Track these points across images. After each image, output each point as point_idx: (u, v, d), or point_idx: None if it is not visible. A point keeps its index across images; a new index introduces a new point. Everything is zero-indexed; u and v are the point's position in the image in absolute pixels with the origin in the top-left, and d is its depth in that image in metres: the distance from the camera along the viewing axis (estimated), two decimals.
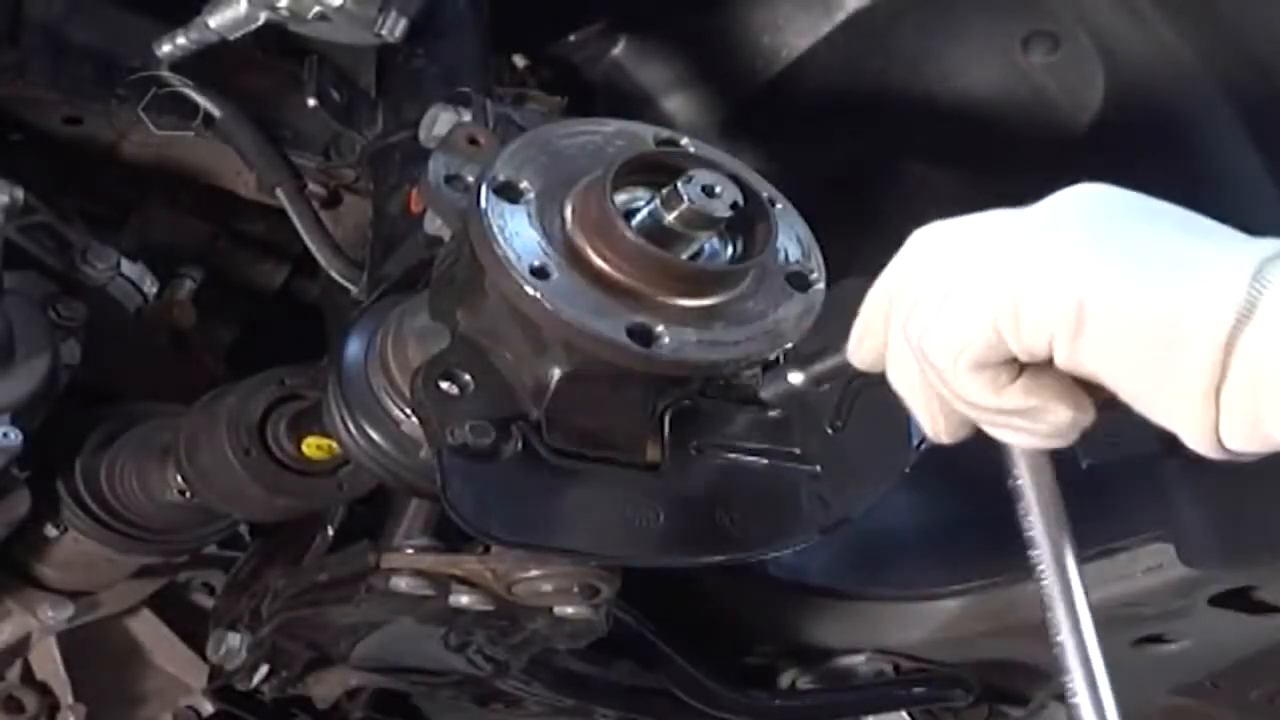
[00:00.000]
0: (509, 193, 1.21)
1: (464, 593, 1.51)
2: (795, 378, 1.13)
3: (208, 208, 2.11)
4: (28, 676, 1.98)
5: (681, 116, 2.26)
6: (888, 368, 1.01)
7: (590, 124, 1.31)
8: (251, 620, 1.76)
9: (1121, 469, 1.79)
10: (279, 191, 1.80)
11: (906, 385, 0.99)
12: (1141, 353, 0.87)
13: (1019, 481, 1.01)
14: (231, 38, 1.75)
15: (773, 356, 1.24)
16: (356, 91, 1.89)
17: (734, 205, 1.20)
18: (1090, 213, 0.91)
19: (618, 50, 2.29)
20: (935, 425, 1.00)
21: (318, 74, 1.83)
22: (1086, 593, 0.97)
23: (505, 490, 1.25)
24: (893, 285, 0.99)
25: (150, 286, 1.99)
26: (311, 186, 1.87)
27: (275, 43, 1.85)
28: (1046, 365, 0.92)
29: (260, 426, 1.58)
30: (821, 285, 1.27)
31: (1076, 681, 0.91)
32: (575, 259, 1.19)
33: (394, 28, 1.74)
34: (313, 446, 1.56)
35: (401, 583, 1.52)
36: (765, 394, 1.17)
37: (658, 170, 1.23)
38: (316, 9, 1.70)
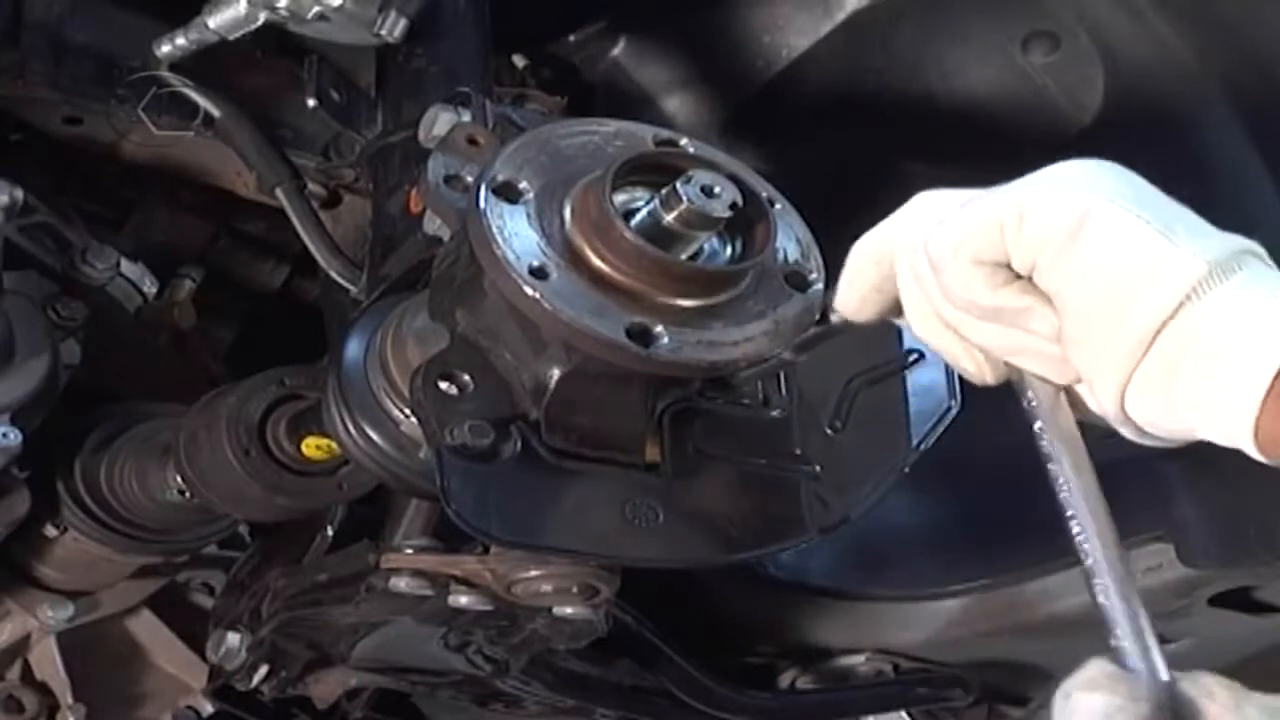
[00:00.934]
0: (508, 193, 1.21)
1: (463, 593, 1.51)
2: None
3: (207, 208, 2.11)
4: (28, 676, 1.98)
5: (681, 116, 2.26)
6: (911, 321, 1.04)
7: (590, 124, 1.31)
8: (251, 620, 1.76)
9: (1121, 469, 1.78)
10: (279, 192, 1.80)
11: (933, 332, 1.03)
12: (1105, 287, 0.91)
13: (1041, 437, 1.00)
14: (231, 38, 1.75)
15: (772, 357, 1.25)
16: (356, 91, 1.89)
17: (733, 205, 1.19)
18: (1102, 165, 0.97)
19: (618, 50, 2.29)
20: (977, 368, 1.04)
21: (317, 74, 1.83)
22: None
23: (504, 490, 1.25)
24: (895, 229, 1.03)
25: (150, 286, 1.99)
26: (311, 186, 1.87)
27: (275, 43, 1.85)
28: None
29: (260, 426, 1.58)
30: (821, 285, 1.27)
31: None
32: (574, 259, 1.19)
33: (394, 28, 1.74)
34: (312, 447, 1.56)
35: (401, 583, 1.52)
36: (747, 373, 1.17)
37: (657, 170, 1.22)
38: (316, 9, 1.70)
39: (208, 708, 2.04)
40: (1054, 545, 2.01)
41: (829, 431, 1.37)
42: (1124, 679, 0.84)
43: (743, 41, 2.21)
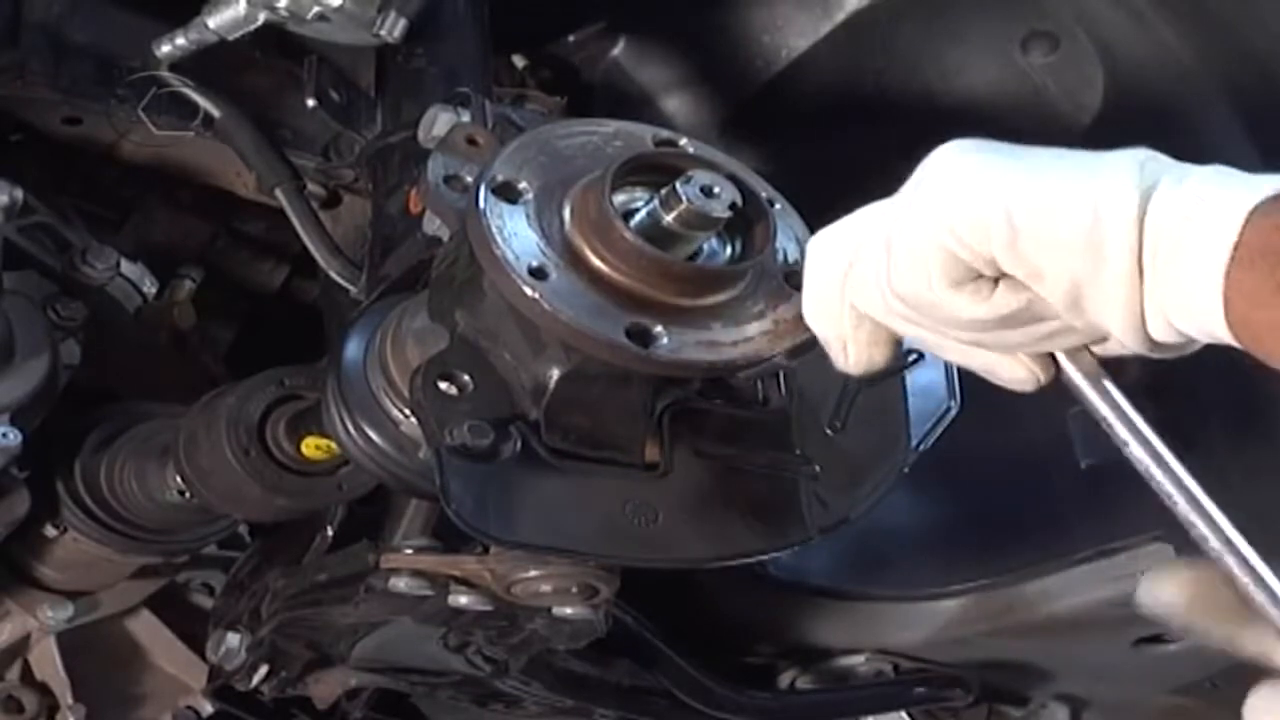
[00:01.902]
0: (508, 193, 1.21)
1: (463, 593, 1.51)
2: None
3: (207, 208, 2.11)
4: (28, 676, 1.98)
5: (681, 116, 2.26)
6: (807, 313, 1.09)
7: (589, 124, 1.31)
8: (251, 620, 1.76)
9: (1121, 469, 1.78)
10: (278, 192, 1.80)
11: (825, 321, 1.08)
12: (1072, 244, 0.92)
13: (1100, 411, 1.00)
14: (231, 38, 1.75)
15: (771, 356, 1.24)
16: (356, 92, 1.89)
17: (732, 205, 1.20)
18: (975, 148, 0.99)
19: (618, 50, 2.29)
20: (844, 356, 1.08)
21: (317, 74, 1.83)
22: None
23: (504, 490, 1.25)
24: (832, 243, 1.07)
25: (150, 286, 1.99)
26: (311, 186, 1.87)
27: (275, 43, 1.85)
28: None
29: (260, 427, 1.58)
30: None
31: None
32: (574, 259, 1.19)
33: (393, 28, 1.74)
34: (312, 447, 1.56)
35: (401, 583, 1.52)
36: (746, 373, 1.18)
37: (656, 171, 1.23)
38: (316, 9, 1.70)
39: (207, 708, 2.04)
40: (1054, 545, 2.03)
41: (829, 431, 1.37)
42: None
43: (743, 41, 2.21)
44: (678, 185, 1.18)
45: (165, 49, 1.78)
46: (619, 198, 1.20)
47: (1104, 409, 1.00)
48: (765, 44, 2.19)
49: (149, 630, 2.04)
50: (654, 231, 1.19)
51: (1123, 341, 0.96)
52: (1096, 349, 1.00)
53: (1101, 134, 1.99)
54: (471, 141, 1.38)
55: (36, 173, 1.88)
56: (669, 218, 1.19)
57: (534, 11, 2.15)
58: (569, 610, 1.52)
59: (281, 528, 1.81)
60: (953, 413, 1.37)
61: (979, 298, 0.97)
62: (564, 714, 1.97)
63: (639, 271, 1.18)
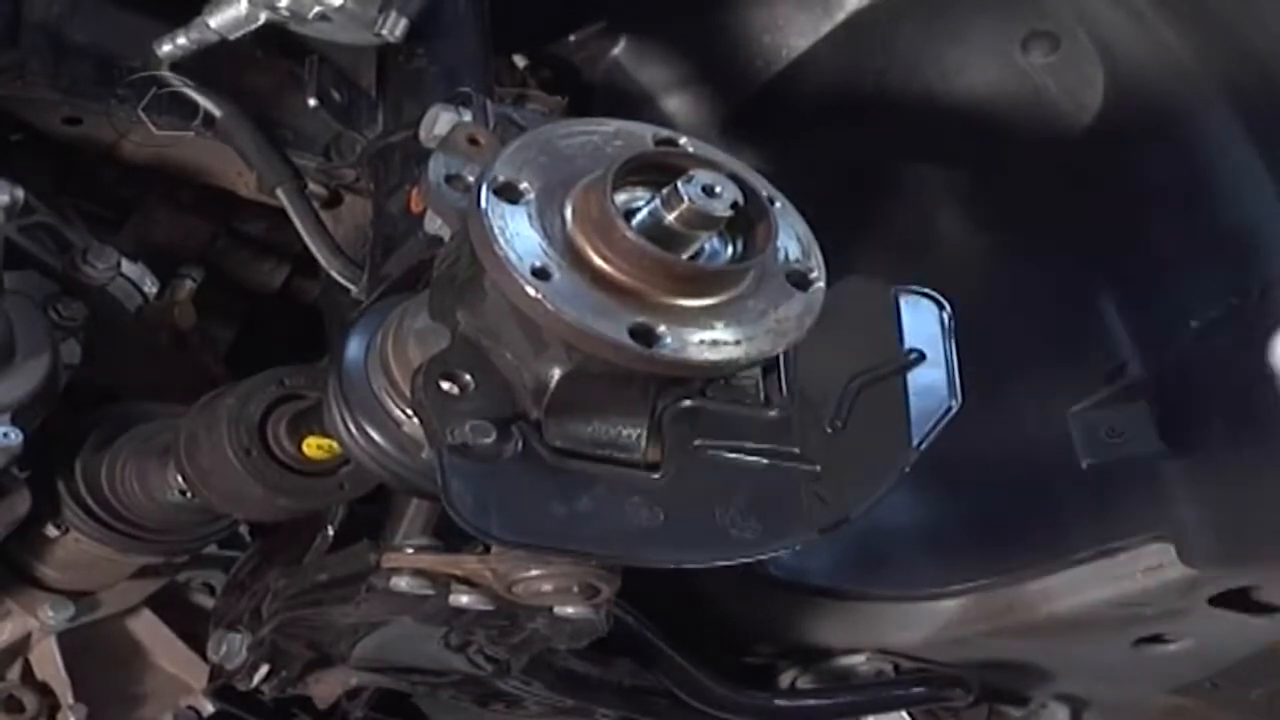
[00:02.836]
0: (509, 193, 1.21)
1: (464, 592, 1.51)
2: None
3: (208, 208, 2.11)
4: (28, 676, 1.98)
5: (681, 116, 2.27)
6: None
7: (590, 124, 1.31)
8: (251, 620, 1.76)
9: (1121, 469, 1.79)
10: (279, 192, 1.80)
11: None
12: None
13: None
14: (231, 38, 1.75)
15: (773, 355, 1.25)
16: (357, 91, 1.89)
17: (734, 205, 1.19)
18: None
19: (618, 50, 2.29)
20: None
21: (318, 74, 1.83)
22: None
23: (505, 490, 1.25)
24: None
25: (150, 286, 1.99)
26: (312, 186, 1.87)
27: (276, 43, 1.85)
28: None
29: (260, 426, 1.58)
30: (822, 284, 1.27)
31: None
32: (576, 259, 1.19)
33: (394, 28, 1.74)
34: (313, 446, 1.56)
35: (401, 582, 1.52)
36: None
37: (658, 170, 1.22)
38: (317, 9, 1.71)
39: (208, 707, 2.04)
40: (1054, 545, 2.03)
41: (829, 431, 1.37)
42: None
43: (743, 41, 2.21)
44: (679, 184, 1.18)
45: (166, 49, 1.78)
46: (620, 197, 1.20)
47: None
48: (765, 44, 2.19)
49: (150, 630, 2.04)
50: (656, 231, 1.19)
51: None
52: None
53: (1101, 134, 2.00)
54: (473, 141, 1.38)
55: (37, 173, 1.89)
56: (670, 217, 1.19)
57: (535, 11, 2.16)
58: (570, 610, 1.52)
59: (282, 527, 1.81)
60: (953, 412, 1.37)
61: None
62: (565, 714, 1.97)
63: (641, 271, 1.18)
